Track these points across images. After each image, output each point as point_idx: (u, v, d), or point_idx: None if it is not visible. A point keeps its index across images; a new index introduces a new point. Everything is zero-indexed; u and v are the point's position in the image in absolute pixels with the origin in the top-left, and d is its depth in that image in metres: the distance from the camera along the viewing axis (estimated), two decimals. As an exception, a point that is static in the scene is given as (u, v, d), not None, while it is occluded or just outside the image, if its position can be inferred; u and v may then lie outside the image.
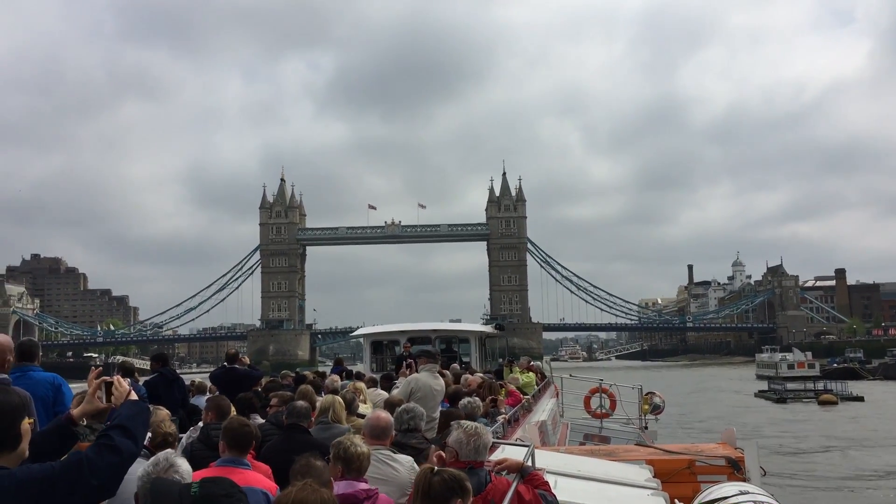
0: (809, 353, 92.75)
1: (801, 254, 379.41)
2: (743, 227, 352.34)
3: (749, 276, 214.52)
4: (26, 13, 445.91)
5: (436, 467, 3.36)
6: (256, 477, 4.21)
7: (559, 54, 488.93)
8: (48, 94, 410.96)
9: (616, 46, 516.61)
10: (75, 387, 5.17)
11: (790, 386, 59.88)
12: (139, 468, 3.82)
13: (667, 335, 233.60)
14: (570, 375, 26.93)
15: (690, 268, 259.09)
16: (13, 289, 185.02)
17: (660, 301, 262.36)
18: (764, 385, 65.59)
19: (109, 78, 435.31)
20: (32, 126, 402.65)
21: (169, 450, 3.84)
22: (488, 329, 23.03)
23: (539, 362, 24.44)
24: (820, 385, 60.34)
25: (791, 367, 79.71)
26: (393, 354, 18.08)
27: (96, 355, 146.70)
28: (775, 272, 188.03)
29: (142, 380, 9.68)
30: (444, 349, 19.22)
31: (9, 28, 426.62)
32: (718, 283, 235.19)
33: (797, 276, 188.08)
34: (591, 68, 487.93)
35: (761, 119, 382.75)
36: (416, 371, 9.97)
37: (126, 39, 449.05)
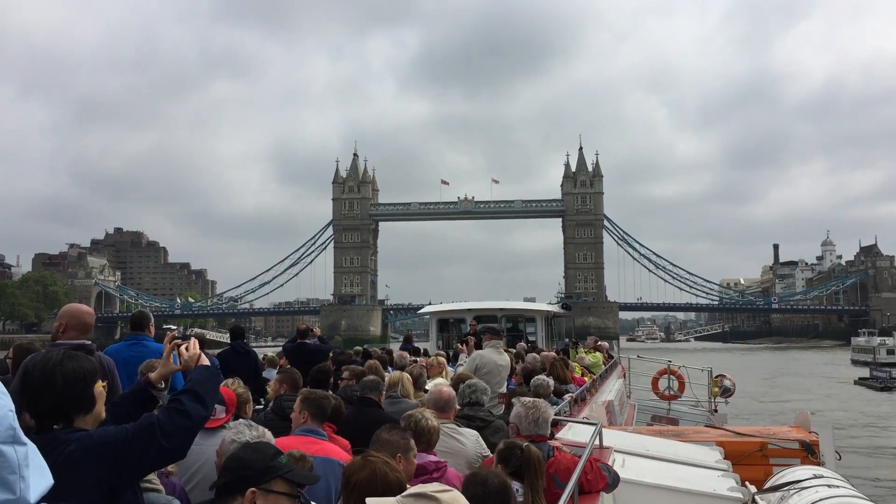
0: None
1: None
2: (834, 207, 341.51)
3: (840, 257, 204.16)
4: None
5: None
6: (333, 448, 4.33)
7: (649, 28, 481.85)
8: (143, 73, 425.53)
9: (709, 20, 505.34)
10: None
11: None
12: (218, 437, 3.98)
13: (749, 317, 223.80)
14: (638, 356, 26.62)
15: (776, 247, 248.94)
16: (95, 261, 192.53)
17: (742, 281, 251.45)
18: (862, 371, 61.31)
19: (201, 57, 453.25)
20: (128, 104, 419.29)
21: (249, 420, 3.97)
22: (555, 308, 22.92)
23: (606, 343, 24.21)
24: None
25: (891, 352, 73.52)
26: (459, 332, 18.19)
27: (175, 327, 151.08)
28: (869, 252, 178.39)
29: (215, 352, 10.01)
30: (511, 328, 19.24)
31: (106, 8, 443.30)
32: (806, 264, 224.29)
33: (893, 257, 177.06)
34: (681, 42, 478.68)
35: (860, 94, 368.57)
36: (471, 347, 10.11)
37: (218, 19, 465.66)
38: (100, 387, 2.70)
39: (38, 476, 1.63)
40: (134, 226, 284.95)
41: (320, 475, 3.33)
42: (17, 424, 1.61)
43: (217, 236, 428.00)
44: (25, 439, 1.62)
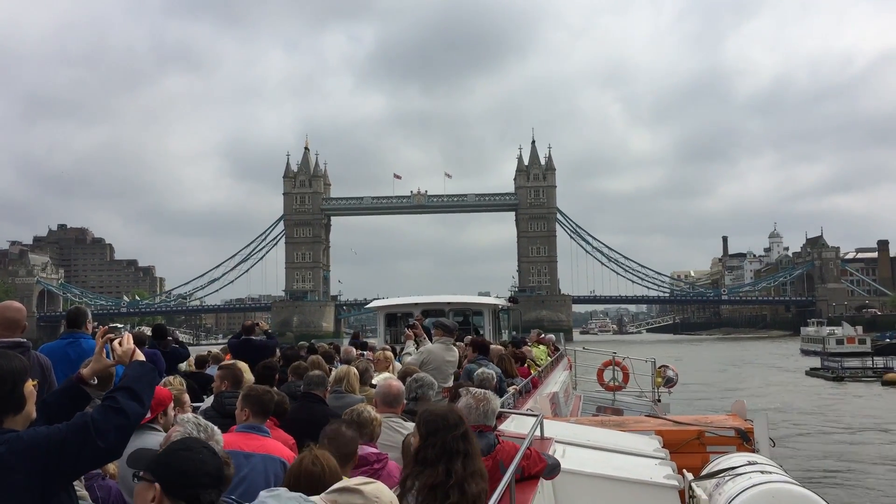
0: (860, 328, 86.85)
1: (841, 226, 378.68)
2: (782, 200, 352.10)
3: (787, 249, 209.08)
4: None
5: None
6: (275, 444, 4.32)
7: (605, 26, 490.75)
8: (93, 68, 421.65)
9: (663, 18, 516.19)
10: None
11: (848, 363, 55.57)
12: (148, 435, 3.94)
13: (700, 308, 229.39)
14: (584, 348, 27.07)
15: (725, 240, 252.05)
16: (37, 259, 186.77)
17: (693, 273, 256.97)
18: (812, 361, 62.18)
19: (153, 51, 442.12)
20: (78, 100, 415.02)
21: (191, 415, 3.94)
22: (501, 302, 23.15)
23: (552, 335, 24.53)
24: (880, 362, 55.16)
25: (840, 342, 73.53)
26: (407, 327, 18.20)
27: (121, 326, 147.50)
28: (815, 244, 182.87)
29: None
30: (461, 322, 19.37)
31: (57, 2, 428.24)
32: (754, 256, 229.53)
33: (838, 248, 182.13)
34: (636, 40, 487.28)
35: (807, 91, 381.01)
36: (419, 333, 10.20)
37: (171, 13, 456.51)
38: (30, 386, 2.62)
39: None
40: (83, 223, 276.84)
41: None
42: None
43: (169, 234, 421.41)
44: None
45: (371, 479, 2.28)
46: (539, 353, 16.19)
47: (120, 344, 3.10)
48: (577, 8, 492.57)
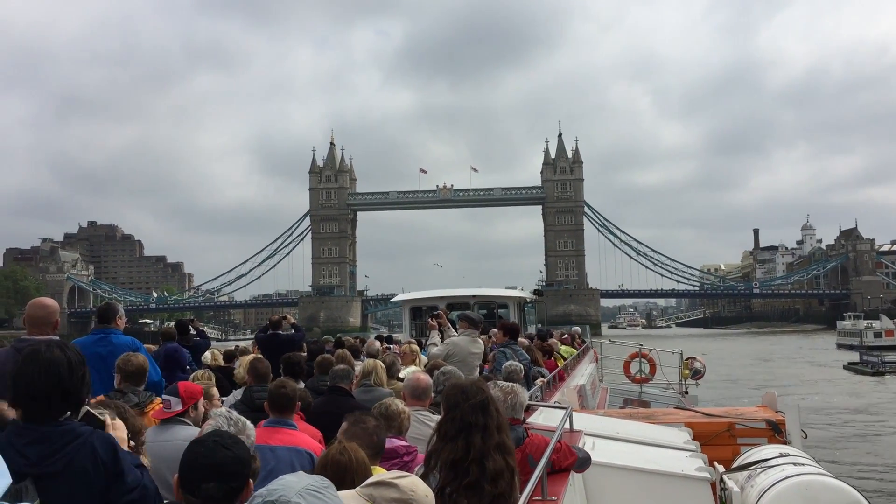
0: None
1: (876, 218, 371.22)
2: (815, 192, 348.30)
3: (820, 241, 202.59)
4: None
5: None
6: (302, 437, 4.33)
7: (634, 17, 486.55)
8: (125, 66, 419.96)
9: (694, 9, 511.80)
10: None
11: (889, 357, 52.87)
12: (174, 430, 3.95)
13: (730, 302, 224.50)
14: (610, 340, 26.93)
15: (756, 233, 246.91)
16: (67, 255, 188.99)
17: (723, 267, 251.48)
18: (849, 355, 60.12)
19: (184, 49, 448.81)
20: (110, 98, 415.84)
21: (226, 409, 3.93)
22: (526, 295, 23.08)
23: (578, 328, 24.42)
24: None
25: (878, 335, 70.48)
26: (432, 321, 18.20)
27: (151, 321, 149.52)
28: (849, 236, 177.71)
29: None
30: (486, 315, 19.33)
31: (90, 2, 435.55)
32: (786, 248, 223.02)
33: (873, 240, 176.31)
34: (666, 31, 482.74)
35: (841, 81, 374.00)
36: (444, 323, 10.21)
37: (202, 11, 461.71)
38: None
39: None
40: (115, 220, 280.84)
41: None
42: None
43: (199, 230, 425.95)
44: None
45: (406, 473, 2.25)
46: (567, 352, 16.02)
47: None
48: (605, 0, 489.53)
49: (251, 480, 2.35)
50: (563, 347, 16.52)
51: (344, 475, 2.57)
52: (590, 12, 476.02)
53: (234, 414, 3.38)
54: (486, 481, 3.06)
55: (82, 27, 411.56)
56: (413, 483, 2.12)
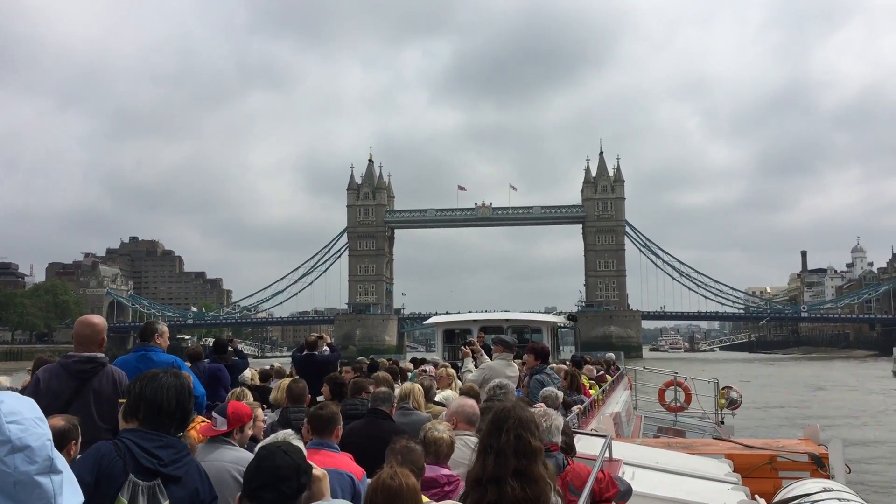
0: None
1: None
2: (867, 214, 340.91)
3: (871, 264, 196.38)
4: (166, 9, 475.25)
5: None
6: (343, 460, 4.31)
7: (686, 38, 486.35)
8: (180, 86, 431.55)
9: (747, 29, 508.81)
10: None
11: None
12: (221, 449, 3.99)
13: (776, 326, 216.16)
14: (644, 368, 26.57)
15: (804, 255, 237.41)
16: (108, 270, 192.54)
17: (769, 290, 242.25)
18: None
19: (238, 69, 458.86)
20: (164, 117, 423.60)
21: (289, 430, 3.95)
22: (561, 320, 22.95)
23: (612, 353, 24.12)
24: None
25: None
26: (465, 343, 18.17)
27: (188, 337, 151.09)
28: None
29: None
30: (518, 339, 19.24)
31: (146, 21, 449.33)
32: (836, 271, 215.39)
33: None
34: (717, 52, 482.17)
35: None
36: (478, 350, 10.14)
37: (255, 31, 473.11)
38: None
39: (71, 496, 1.64)
40: (160, 237, 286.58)
41: None
42: (55, 454, 1.61)
43: (243, 247, 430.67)
44: (62, 467, 1.62)
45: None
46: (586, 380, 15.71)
47: None
48: (658, 20, 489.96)
49: (305, 492, 2.52)
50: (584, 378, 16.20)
51: (394, 500, 2.56)
52: (641, 33, 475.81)
53: (293, 436, 3.52)
54: None
55: (140, 47, 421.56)
56: None
